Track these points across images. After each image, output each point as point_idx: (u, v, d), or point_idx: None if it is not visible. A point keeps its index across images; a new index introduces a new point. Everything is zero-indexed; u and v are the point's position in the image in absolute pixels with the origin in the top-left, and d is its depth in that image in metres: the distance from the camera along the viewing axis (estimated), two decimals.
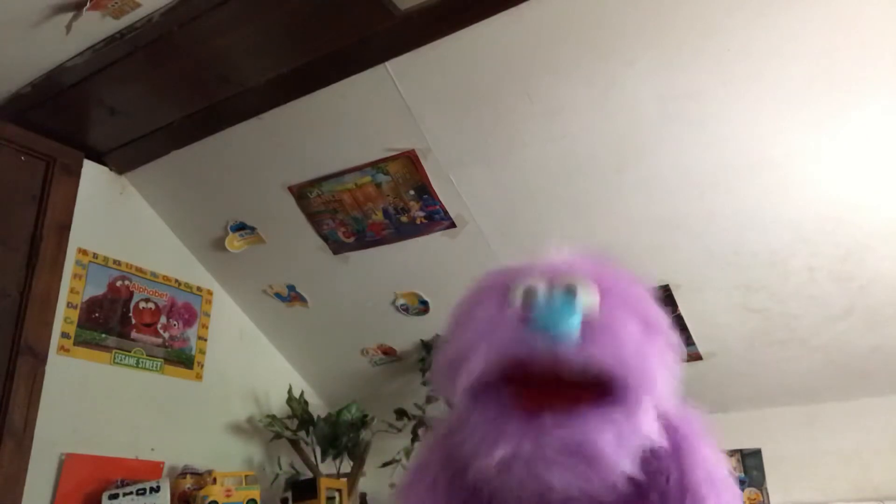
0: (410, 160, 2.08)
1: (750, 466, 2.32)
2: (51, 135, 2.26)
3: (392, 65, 1.87)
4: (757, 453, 2.32)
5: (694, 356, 2.25)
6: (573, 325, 0.68)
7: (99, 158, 2.41)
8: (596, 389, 0.69)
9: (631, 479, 0.71)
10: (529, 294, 0.71)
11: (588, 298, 0.71)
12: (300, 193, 2.29)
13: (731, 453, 2.36)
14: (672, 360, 0.75)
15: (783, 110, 1.69)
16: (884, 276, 1.90)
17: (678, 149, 1.82)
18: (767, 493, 2.27)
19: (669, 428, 0.76)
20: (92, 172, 2.38)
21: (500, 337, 0.70)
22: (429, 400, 2.46)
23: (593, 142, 1.88)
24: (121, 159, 2.42)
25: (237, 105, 2.09)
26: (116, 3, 1.70)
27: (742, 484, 2.32)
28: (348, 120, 2.05)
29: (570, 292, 0.71)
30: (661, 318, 0.76)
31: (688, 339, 2.21)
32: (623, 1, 1.61)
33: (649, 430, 0.72)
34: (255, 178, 2.31)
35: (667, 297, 2.14)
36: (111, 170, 2.45)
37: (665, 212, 1.96)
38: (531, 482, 0.70)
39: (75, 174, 2.33)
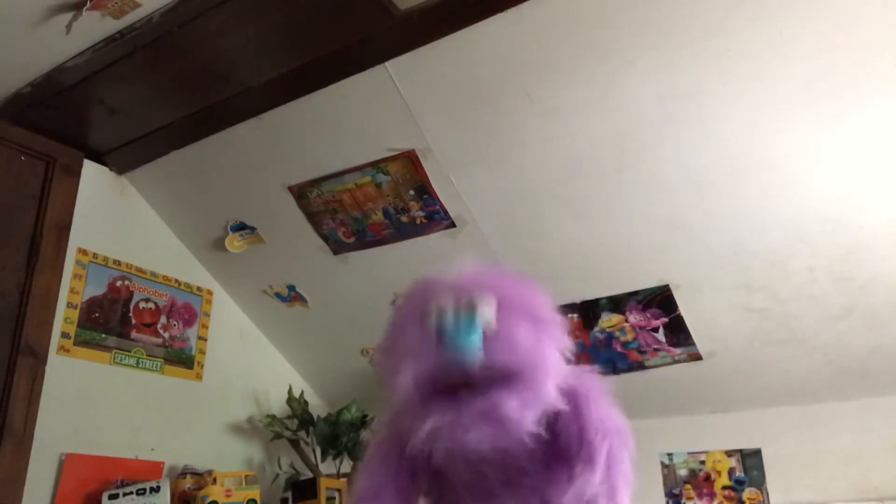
0: (410, 160, 2.08)
1: (750, 466, 2.32)
2: (51, 135, 2.26)
3: (392, 65, 1.87)
4: (757, 453, 2.32)
5: (694, 356, 2.25)
6: (475, 343, 0.86)
7: (99, 158, 2.41)
8: (501, 378, 0.87)
9: (539, 438, 0.88)
10: (440, 317, 0.88)
11: (486, 313, 0.88)
12: (300, 193, 2.29)
13: (731, 453, 2.36)
14: (561, 342, 0.92)
15: (783, 110, 1.69)
16: (884, 276, 1.90)
17: (678, 149, 1.83)
18: (767, 493, 2.27)
19: (569, 392, 0.91)
20: (92, 172, 2.39)
21: (420, 359, 0.88)
22: None
23: (593, 142, 1.88)
24: (121, 159, 2.42)
25: (237, 105, 2.09)
26: (116, 3, 1.70)
27: (742, 484, 2.32)
28: (348, 120, 2.05)
29: (472, 311, 0.88)
30: (549, 311, 0.93)
31: (688, 339, 2.21)
32: (623, 1, 1.61)
33: (548, 397, 0.88)
34: (255, 178, 2.31)
35: (667, 297, 2.15)
36: (111, 170, 2.45)
37: (665, 212, 1.96)
38: (455, 446, 0.87)
39: (75, 174, 2.33)
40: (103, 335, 2.30)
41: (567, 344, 0.94)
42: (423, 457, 0.93)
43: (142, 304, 2.43)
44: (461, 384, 0.88)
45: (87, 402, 2.21)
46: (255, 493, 2.26)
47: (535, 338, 0.89)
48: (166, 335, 2.48)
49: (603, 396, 0.96)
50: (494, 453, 0.89)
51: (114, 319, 2.34)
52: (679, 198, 1.92)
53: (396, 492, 0.97)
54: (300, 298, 2.64)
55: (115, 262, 2.38)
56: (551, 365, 0.89)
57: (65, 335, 2.20)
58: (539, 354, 0.89)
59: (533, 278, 0.99)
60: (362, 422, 2.62)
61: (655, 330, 2.24)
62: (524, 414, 0.86)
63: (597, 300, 2.25)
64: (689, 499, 2.38)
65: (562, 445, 0.91)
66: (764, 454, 2.31)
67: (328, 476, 2.54)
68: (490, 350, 0.87)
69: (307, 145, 2.16)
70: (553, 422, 0.90)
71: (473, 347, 0.86)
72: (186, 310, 2.57)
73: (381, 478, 0.98)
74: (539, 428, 0.88)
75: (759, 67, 1.63)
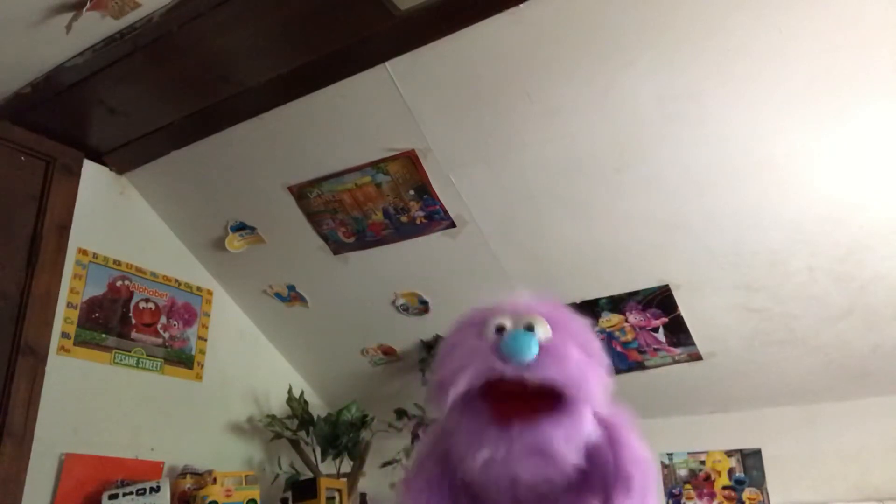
0: (410, 160, 2.08)
1: (750, 466, 2.32)
2: (51, 135, 2.26)
3: (392, 65, 1.87)
4: (757, 453, 2.32)
5: (694, 356, 2.25)
6: (532, 352, 0.92)
7: (99, 158, 2.41)
8: (549, 399, 0.92)
9: (579, 468, 0.95)
10: (499, 329, 0.96)
11: (542, 332, 0.96)
12: (300, 193, 2.29)
13: (731, 453, 2.36)
14: (605, 376, 0.98)
15: (783, 110, 1.69)
16: (884, 276, 1.90)
17: (678, 148, 1.83)
18: (767, 493, 2.27)
19: (605, 424, 0.99)
20: (92, 172, 2.39)
21: (478, 362, 0.93)
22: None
23: (593, 142, 1.88)
24: (121, 159, 2.42)
25: (237, 105, 2.09)
26: (116, 3, 1.70)
27: (742, 484, 2.32)
28: (348, 120, 2.05)
29: (529, 328, 0.96)
30: (597, 346, 1.01)
31: (688, 339, 2.21)
32: (623, 1, 1.61)
33: (588, 429, 0.96)
34: (255, 178, 2.31)
35: (667, 298, 2.15)
36: (111, 170, 2.45)
37: (665, 212, 1.96)
38: (505, 476, 0.94)
39: (75, 174, 2.33)
40: (103, 335, 2.30)
41: (609, 381, 1.01)
42: (466, 484, 1.01)
43: (142, 304, 2.43)
44: (512, 404, 0.93)
45: (87, 402, 2.21)
46: (255, 493, 2.26)
47: (583, 363, 0.97)
48: (166, 335, 2.48)
49: (635, 431, 1.04)
50: (537, 484, 0.96)
51: (114, 319, 2.34)
52: (679, 198, 1.92)
53: None
54: (300, 298, 2.64)
55: (115, 262, 2.38)
56: (595, 386, 0.96)
57: (65, 335, 2.20)
58: (585, 374, 0.96)
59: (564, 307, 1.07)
60: (362, 422, 2.62)
61: (655, 330, 2.24)
62: (570, 448, 0.94)
63: (597, 300, 2.25)
64: (689, 499, 2.38)
65: (597, 474, 0.98)
66: (764, 454, 2.31)
67: (328, 476, 2.54)
68: (543, 363, 0.93)
69: (307, 145, 2.16)
70: (590, 453, 0.98)
71: (530, 354, 0.92)
72: (186, 310, 2.57)
73: (425, 501, 1.05)
74: (581, 459, 0.96)
75: (759, 67, 1.63)
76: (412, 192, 2.16)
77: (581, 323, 1.04)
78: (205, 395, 2.55)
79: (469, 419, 0.95)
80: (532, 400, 0.93)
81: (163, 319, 2.48)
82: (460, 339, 0.99)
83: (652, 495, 1.00)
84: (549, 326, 0.97)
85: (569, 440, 0.93)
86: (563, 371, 0.92)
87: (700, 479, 2.39)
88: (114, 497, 2.09)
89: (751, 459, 2.33)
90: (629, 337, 2.29)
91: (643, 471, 1.00)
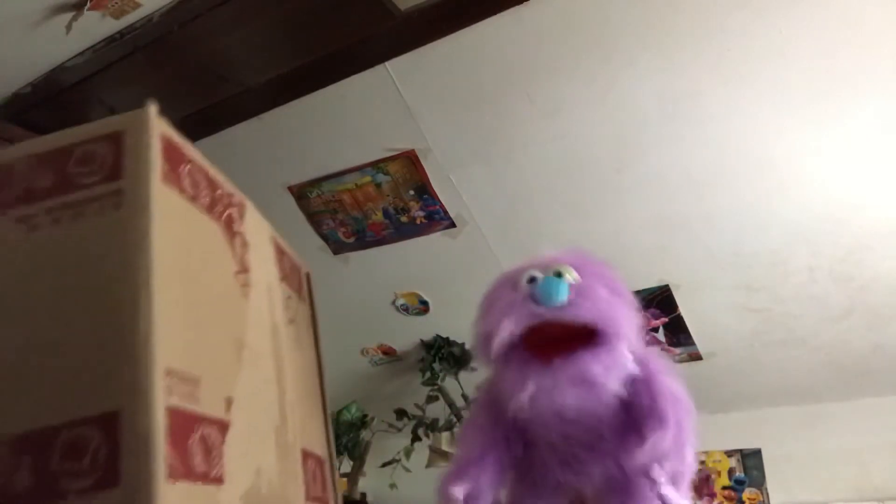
0: (410, 160, 2.08)
1: (750, 466, 2.32)
2: None
3: (392, 65, 1.87)
4: (757, 453, 2.32)
5: (694, 356, 2.25)
6: (563, 295, 0.99)
7: None
8: (585, 338, 0.98)
9: (618, 398, 1.01)
10: (531, 279, 1.03)
11: (570, 277, 1.02)
12: (300, 193, 2.29)
13: (731, 453, 2.36)
14: (633, 314, 1.03)
15: (783, 110, 1.69)
16: (884, 276, 1.91)
17: (678, 149, 1.83)
18: (767, 493, 2.27)
19: (640, 362, 1.03)
20: None
21: (515, 312, 0.99)
22: (429, 400, 2.46)
23: (593, 142, 1.88)
24: None
25: (237, 105, 2.09)
26: (116, 3, 1.70)
27: (742, 484, 2.32)
28: (348, 120, 2.05)
29: (558, 275, 1.02)
30: (624, 288, 1.05)
31: (688, 339, 2.21)
32: (623, 1, 1.61)
33: (625, 362, 1.00)
34: (255, 178, 2.31)
35: (667, 298, 2.15)
36: None
37: (665, 212, 1.96)
38: (552, 409, 1.00)
39: None
40: None
41: (637, 318, 1.06)
42: (517, 425, 1.08)
43: None
44: (552, 346, 1.00)
45: None
46: None
47: (612, 301, 1.02)
48: None
49: (670, 370, 1.08)
50: (582, 416, 1.03)
51: None
52: (679, 198, 1.92)
53: (494, 460, 1.10)
54: None
55: None
56: (625, 322, 1.01)
57: None
58: (615, 311, 1.01)
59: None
60: (362, 422, 2.62)
61: (655, 330, 2.24)
62: (609, 376, 0.99)
63: None
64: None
65: (635, 412, 1.03)
66: (764, 454, 2.31)
67: None
68: (575, 303, 1.00)
69: (307, 145, 2.16)
70: (629, 389, 1.03)
71: (562, 296, 0.99)
72: None
73: (480, 448, 1.10)
74: (622, 390, 1.01)
75: (759, 67, 1.63)
76: (412, 192, 2.16)
77: (607, 268, 1.09)
78: None
79: (514, 362, 1.01)
80: (569, 339, 0.99)
81: None
82: (497, 295, 1.05)
83: (688, 432, 1.03)
84: (576, 272, 1.02)
85: (607, 370, 0.98)
86: (595, 309, 0.98)
87: (700, 479, 2.39)
88: None
89: (751, 459, 2.33)
90: None
91: (678, 406, 1.03)
